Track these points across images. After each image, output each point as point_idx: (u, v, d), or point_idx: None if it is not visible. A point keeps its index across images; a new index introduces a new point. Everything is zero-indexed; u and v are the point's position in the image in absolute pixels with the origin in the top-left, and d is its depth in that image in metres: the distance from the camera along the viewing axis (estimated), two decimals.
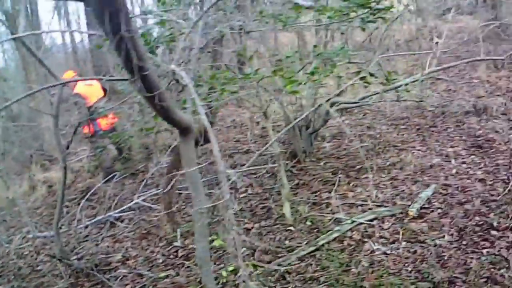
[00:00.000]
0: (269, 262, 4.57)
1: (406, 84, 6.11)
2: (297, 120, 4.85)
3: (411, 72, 9.43)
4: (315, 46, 4.96)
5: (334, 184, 5.80)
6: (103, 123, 7.37)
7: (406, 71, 10.04)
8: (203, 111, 2.24)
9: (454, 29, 13.95)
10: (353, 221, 4.92)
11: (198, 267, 3.32)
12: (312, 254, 4.59)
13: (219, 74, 3.53)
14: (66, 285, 4.73)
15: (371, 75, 4.99)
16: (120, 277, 4.85)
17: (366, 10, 3.71)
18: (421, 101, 7.94)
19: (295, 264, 4.47)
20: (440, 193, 5.28)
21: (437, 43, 7.96)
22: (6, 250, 5.62)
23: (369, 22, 3.87)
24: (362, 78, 5.02)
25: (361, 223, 4.89)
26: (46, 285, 4.88)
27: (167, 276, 4.71)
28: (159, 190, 6.09)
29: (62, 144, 4.73)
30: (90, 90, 7.35)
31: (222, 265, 4.61)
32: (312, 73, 4.33)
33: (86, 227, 5.95)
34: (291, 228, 5.13)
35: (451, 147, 6.42)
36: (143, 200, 6.26)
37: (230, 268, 4.43)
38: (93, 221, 6.09)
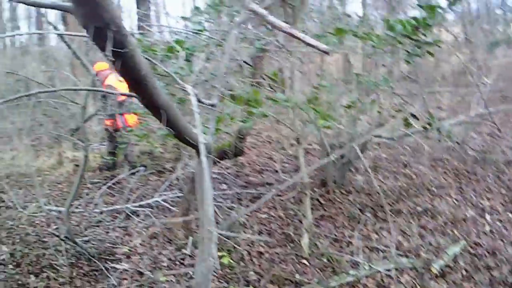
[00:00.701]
0: None
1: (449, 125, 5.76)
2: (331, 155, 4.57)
3: (456, 109, 8.97)
4: (357, 75, 4.70)
5: (359, 222, 5.48)
6: (130, 120, 7.23)
7: (451, 107, 9.59)
8: (200, 130, 2.08)
9: (503, 64, 13.39)
10: (370, 267, 4.61)
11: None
12: None
13: (247, 96, 3.30)
14: (66, 263, 4.57)
15: (413, 116, 4.71)
16: (120, 270, 4.64)
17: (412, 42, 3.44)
18: (463, 143, 7.54)
19: None
20: (469, 251, 4.92)
21: (484, 83, 7.50)
22: (19, 215, 5.55)
23: (414, 56, 3.57)
24: (404, 120, 4.74)
25: (379, 271, 4.57)
26: (46, 257, 4.72)
27: (167, 281, 4.48)
28: (181, 194, 5.96)
29: (86, 134, 4.91)
30: (121, 85, 7.19)
31: (225, 284, 4.39)
32: (349, 107, 4.07)
33: (101, 213, 5.86)
34: (306, 261, 4.84)
35: (488, 199, 6.03)
36: (163, 200, 6.12)
37: None
38: (109, 208, 5.99)
